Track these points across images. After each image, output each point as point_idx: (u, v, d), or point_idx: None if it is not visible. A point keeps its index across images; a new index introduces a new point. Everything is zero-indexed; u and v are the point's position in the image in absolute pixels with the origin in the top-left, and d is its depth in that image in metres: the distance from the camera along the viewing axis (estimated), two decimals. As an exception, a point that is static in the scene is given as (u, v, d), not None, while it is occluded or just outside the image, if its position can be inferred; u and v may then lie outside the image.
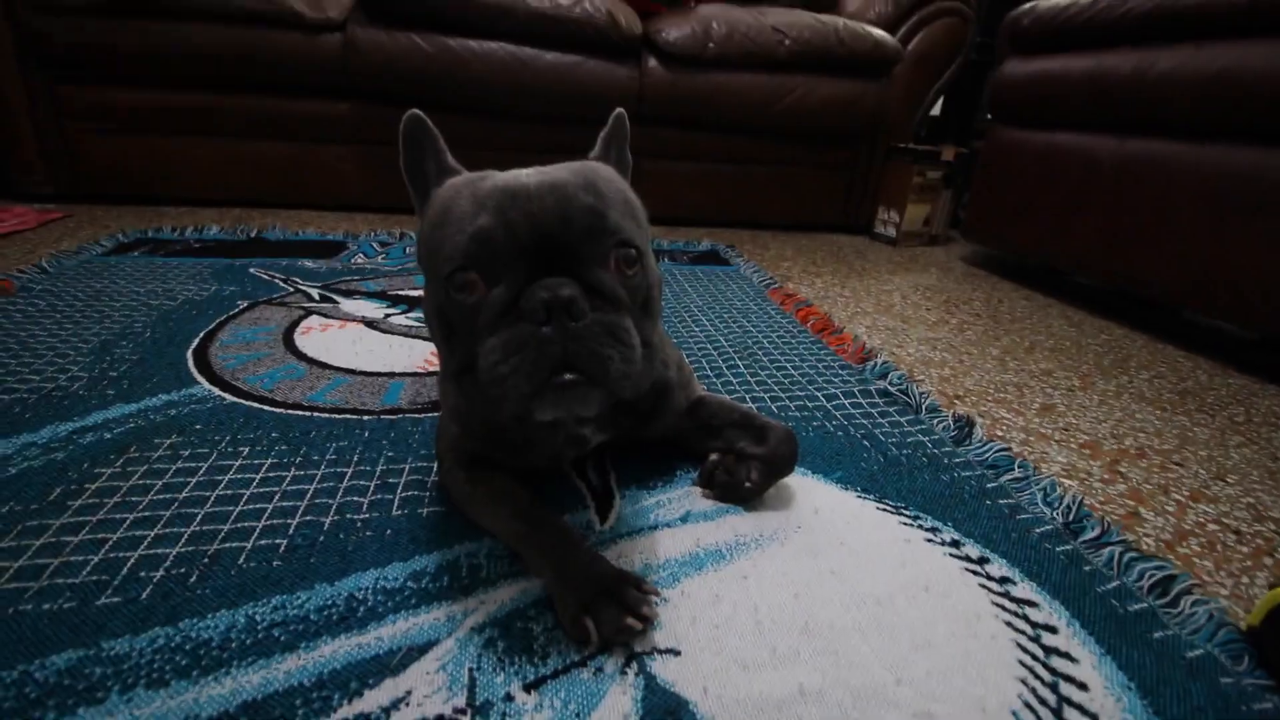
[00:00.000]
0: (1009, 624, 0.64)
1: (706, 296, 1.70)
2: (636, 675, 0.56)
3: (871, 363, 1.26)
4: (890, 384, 1.16)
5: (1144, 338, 1.61)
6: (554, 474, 0.80)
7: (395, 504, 0.75)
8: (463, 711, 0.52)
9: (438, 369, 1.13)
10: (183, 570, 0.63)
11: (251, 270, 1.60)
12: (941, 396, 1.19)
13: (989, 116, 2.19)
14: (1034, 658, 0.60)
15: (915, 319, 1.65)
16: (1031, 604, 0.67)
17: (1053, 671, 0.59)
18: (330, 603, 0.61)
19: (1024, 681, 0.57)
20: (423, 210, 0.66)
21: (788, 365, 1.25)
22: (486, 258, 0.53)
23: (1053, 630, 0.63)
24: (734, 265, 2.03)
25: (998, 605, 0.66)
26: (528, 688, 0.54)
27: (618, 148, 0.71)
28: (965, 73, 2.84)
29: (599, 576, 0.61)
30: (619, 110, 0.71)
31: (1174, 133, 1.56)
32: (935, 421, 1.04)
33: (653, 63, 2.31)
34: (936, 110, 3.21)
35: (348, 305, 1.41)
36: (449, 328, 0.58)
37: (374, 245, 1.92)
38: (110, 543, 0.66)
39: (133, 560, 0.64)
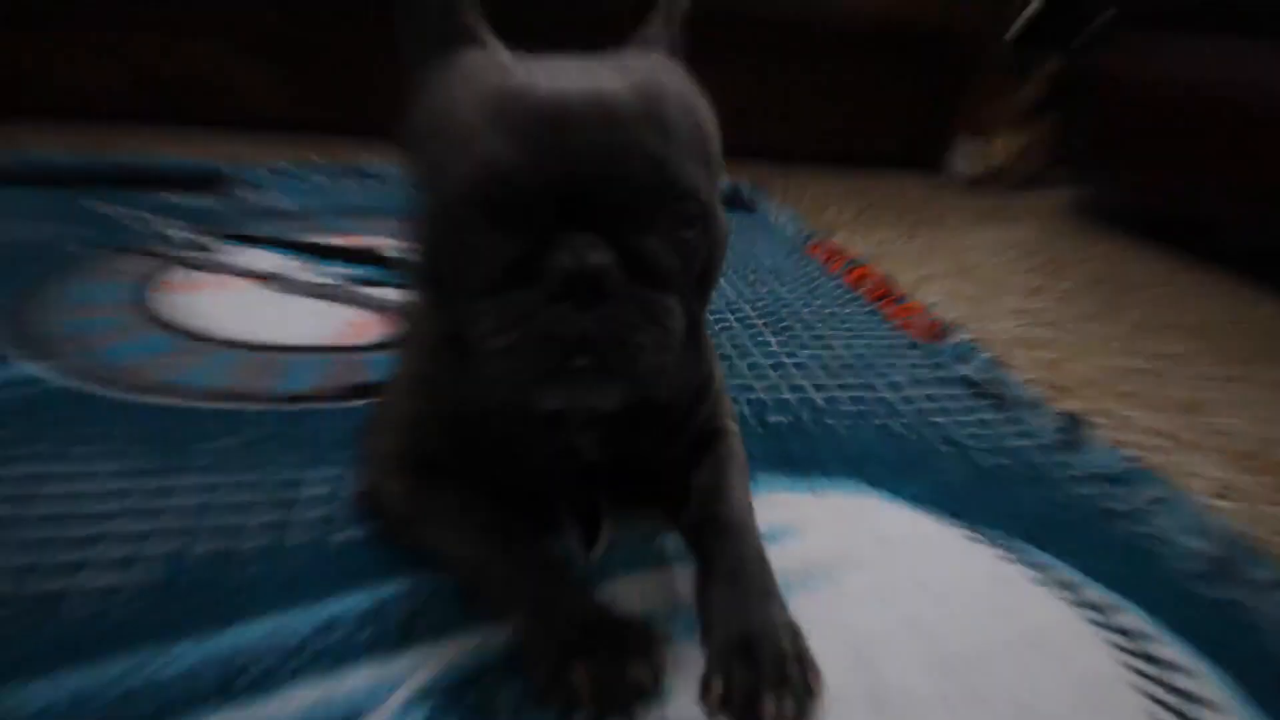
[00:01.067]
0: (1148, 694, 0.63)
1: (728, 252, 1.67)
2: (641, 764, 0.54)
3: (949, 341, 1.25)
4: (975, 370, 1.15)
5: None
6: (526, 494, 0.78)
7: (297, 528, 0.73)
8: (394, 818, 0.49)
9: (360, 340, 1.10)
10: (-16, 621, 0.60)
11: (102, 208, 1.56)
12: (1046, 388, 1.18)
13: (1113, 14, 2.17)
14: (1185, 742, 0.59)
15: (1007, 285, 1.65)
16: (1178, 668, 0.66)
17: (1212, 761, 0.58)
18: (202, 667, 0.58)
19: (1172, 774, 0.56)
20: (420, 86, 0.64)
21: (835, 343, 1.24)
22: (497, 200, 0.52)
23: (1209, 705, 0.62)
24: (761, 211, 2.02)
25: (1132, 669, 0.65)
26: (487, 783, 0.51)
27: (675, 29, 0.69)
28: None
29: (586, 613, 0.59)
30: None
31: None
32: (1039, 420, 1.03)
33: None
34: (1036, 4, 3.18)
35: (232, 254, 1.40)
36: (437, 268, 0.57)
37: (267, 176, 1.89)
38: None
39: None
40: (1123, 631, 0.69)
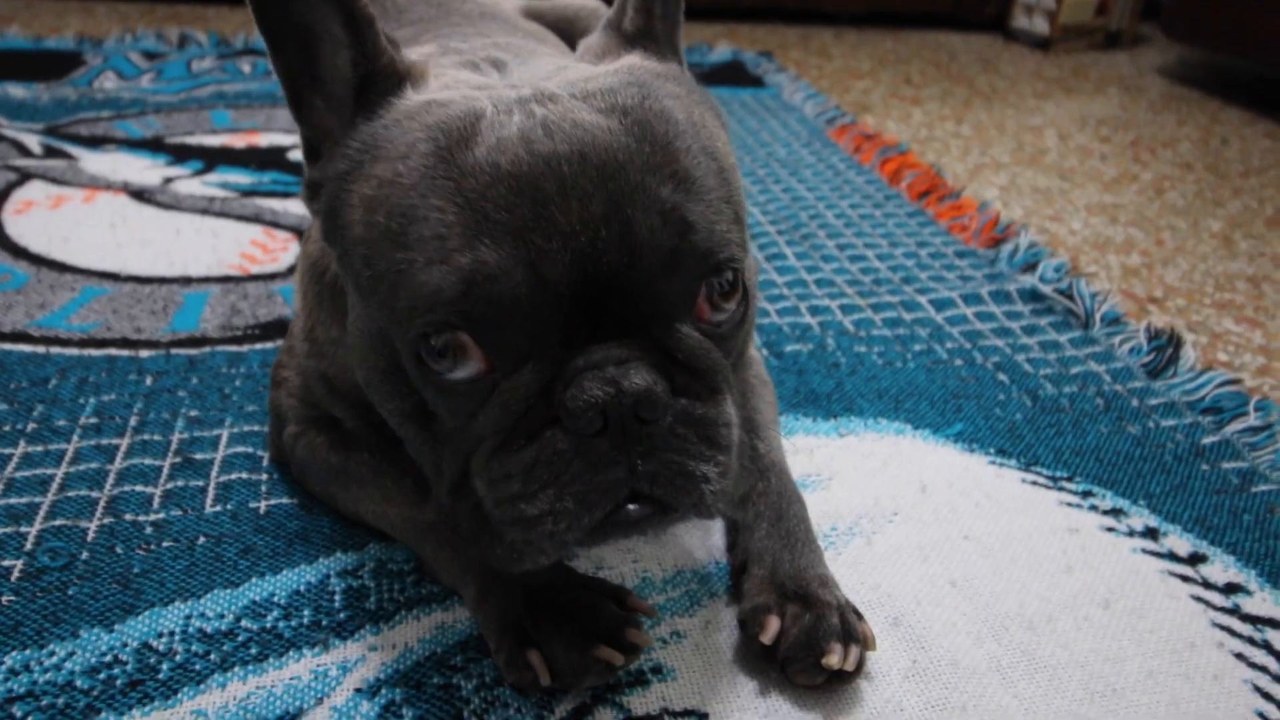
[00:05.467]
0: (1241, 656, 0.66)
1: (729, 139, 1.67)
2: (638, 755, 0.57)
3: (1009, 246, 1.26)
4: (1041, 280, 1.17)
5: None
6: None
7: (209, 495, 0.76)
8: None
9: (263, 267, 1.11)
10: None
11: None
12: (1128, 299, 1.20)
13: None
14: (1282, 707, 0.63)
15: (1082, 174, 1.66)
16: (1278, 624, 0.69)
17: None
18: (109, 659, 0.61)
19: (1265, 742, 0.60)
20: (330, 153, 0.59)
21: (869, 252, 1.26)
22: (493, 321, 0.51)
23: None
24: (773, 87, 2.01)
25: (1222, 628, 0.68)
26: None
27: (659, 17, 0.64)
28: None
29: (553, 585, 0.62)
30: None
31: None
32: (1117, 340, 1.06)
33: None
34: None
35: (94, 162, 1.39)
36: (413, 395, 0.57)
37: (132, 58, 1.85)
38: None
39: None
40: (1211, 585, 0.72)
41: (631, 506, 0.53)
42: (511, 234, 0.49)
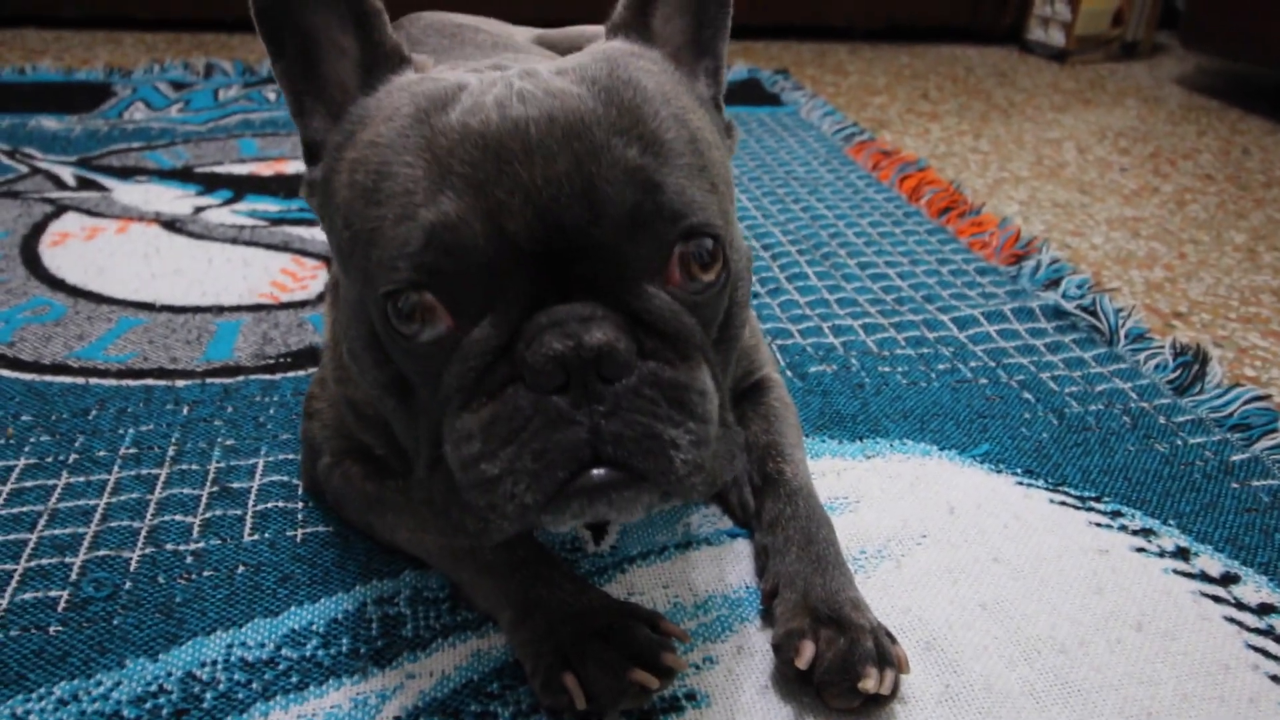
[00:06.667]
0: (1277, 679, 0.66)
1: (748, 158, 1.69)
2: (672, 780, 0.58)
3: (1031, 262, 1.26)
4: (1064, 297, 1.18)
5: None
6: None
7: (247, 524, 0.77)
8: None
9: (294, 295, 1.13)
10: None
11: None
12: (1152, 315, 1.20)
13: None
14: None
15: (1102, 187, 1.66)
16: None
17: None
18: (154, 688, 0.62)
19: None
20: (325, 134, 0.62)
21: (890, 271, 1.26)
22: (455, 273, 0.52)
23: None
24: (790, 104, 2.03)
25: (1258, 650, 0.68)
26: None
27: (694, 10, 0.65)
28: None
29: (588, 610, 0.63)
30: None
31: None
32: (1143, 357, 1.06)
33: None
34: None
35: (126, 193, 1.41)
36: (391, 364, 0.58)
37: (161, 88, 1.89)
38: None
39: None
40: (1244, 606, 0.72)
41: (596, 471, 0.52)
42: (473, 187, 0.51)
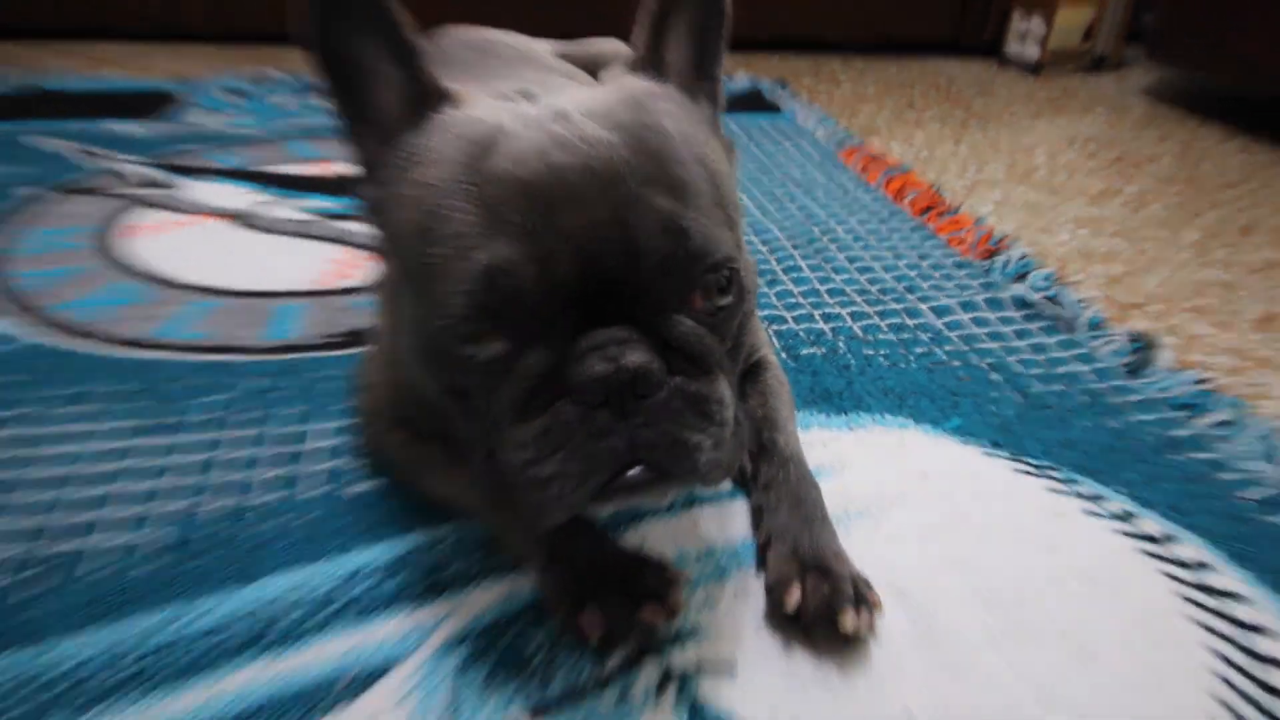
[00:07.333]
0: (1206, 625, 0.69)
1: (748, 162, 1.71)
2: (677, 702, 0.61)
3: (1003, 258, 1.29)
4: (1031, 288, 1.20)
5: None
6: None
7: (306, 482, 0.80)
8: (437, 757, 0.57)
9: (344, 282, 1.16)
10: None
11: (28, 139, 1.59)
12: (1110, 305, 1.23)
13: None
14: (1243, 672, 0.65)
15: (1070, 189, 1.67)
16: (1238, 597, 0.72)
17: (1270, 690, 0.64)
18: (231, 621, 0.66)
19: (1228, 705, 0.63)
20: (375, 155, 0.63)
21: (875, 265, 1.29)
22: (509, 309, 0.54)
23: (1269, 634, 0.69)
24: (788, 113, 2.04)
25: (1189, 600, 0.71)
26: (526, 721, 0.59)
27: (697, 37, 0.67)
28: None
29: (605, 558, 0.67)
30: None
31: None
32: (1100, 343, 1.09)
33: None
34: None
35: (195, 190, 1.43)
36: (446, 373, 0.60)
37: (221, 95, 1.91)
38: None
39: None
40: (1180, 562, 0.75)
41: (632, 472, 0.55)
42: (524, 235, 0.53)
